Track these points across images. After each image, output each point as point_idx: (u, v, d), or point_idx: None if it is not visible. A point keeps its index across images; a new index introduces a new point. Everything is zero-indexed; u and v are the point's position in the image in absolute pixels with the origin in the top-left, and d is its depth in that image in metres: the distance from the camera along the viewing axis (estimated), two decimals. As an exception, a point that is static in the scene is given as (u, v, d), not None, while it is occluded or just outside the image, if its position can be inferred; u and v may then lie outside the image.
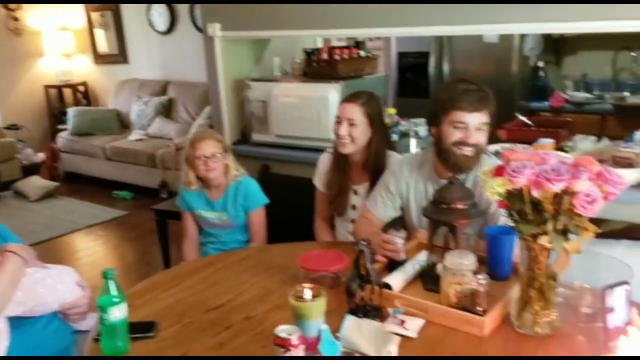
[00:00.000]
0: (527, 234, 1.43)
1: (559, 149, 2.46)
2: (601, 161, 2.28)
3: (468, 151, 1.90)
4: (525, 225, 1.42)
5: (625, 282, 1.39)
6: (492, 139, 2.79)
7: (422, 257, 1.81)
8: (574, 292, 1.60)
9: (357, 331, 1.46)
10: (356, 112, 2.23)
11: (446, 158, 1.96)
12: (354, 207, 2.37)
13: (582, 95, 4.18)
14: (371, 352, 1.41)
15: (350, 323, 1.48)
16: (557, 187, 1.35)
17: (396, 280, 1.72)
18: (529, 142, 2.59)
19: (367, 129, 2.25)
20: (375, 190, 2.17)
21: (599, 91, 4.21)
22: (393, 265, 1.82)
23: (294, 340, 1.30)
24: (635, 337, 1.25)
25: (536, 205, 1.41)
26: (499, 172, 1.44)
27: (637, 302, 1.66)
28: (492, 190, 1.44)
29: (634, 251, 2.04)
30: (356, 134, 2.24)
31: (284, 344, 1.29)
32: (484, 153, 1.98)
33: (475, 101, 1.87)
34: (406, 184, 2.09)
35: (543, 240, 1.41)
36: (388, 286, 1.69)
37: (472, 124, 1.88)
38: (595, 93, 4.21)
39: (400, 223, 2.16)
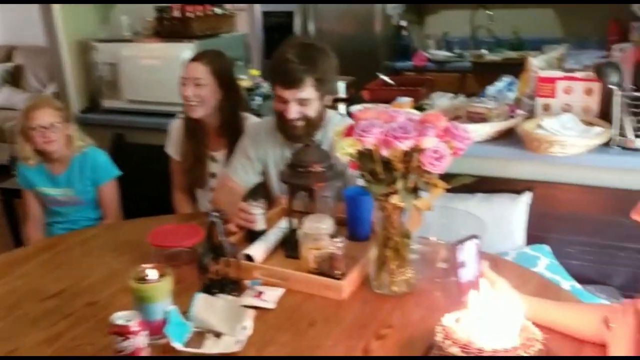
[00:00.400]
0: (379, 194, 1.40)
1: (419, 107, 2.47)
2: (457, 117, 2.34)
3: (295, 122, 1.85)
4: (377, 185, 1.39)
5: (474, 236, 1.40)
6: (356, 99, 2.79)
7: (283, 224, 1.75)
8: (430, 247, 1.61)
9: (209, 309, 1.37)
10: (202, 72, 2.09)
11: (278, 125, 1.91)
12: (213, 175, 2.25)
13: (443, 54, 4.29)
14: (224, 330, 1.32)
15: (201, 301, 1.38)
16: (405, 145, 1.32)
17: (257, 250, 1.65)
18: (391, 101, 2.59)
19: (216, 90, 2.12)
20: (234, 156, 2.06)
21: (459, 49, 4.35)
22: (254, 235, 1.73)
23: (134, 326, 1.18)
24: (485, 290, 1.26)
25: (387, 164, 1.38)
26: (349, 132, 1.38)
27: (490, 253, 1.72)
28: (343, 151, 1.39)
29: (487, 203, 2.12)
30: (204, 95, 2.10)
31: (122, 331, 1.17)
32: (318, 124, 1.90)
33: (291, 77, 1.78)
34: (264, 148, 2.00)
35: (395, 200, 1.38)
36: (250, 258, 1.61)
37: (290, 99, 1.81)
38: (456, 51, 4.34)
39: (262, 190, 2.08)
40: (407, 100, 2.38)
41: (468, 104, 2.30)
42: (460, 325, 1.21)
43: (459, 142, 1.36)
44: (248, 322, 1.34)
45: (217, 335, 1.32)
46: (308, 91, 1.81)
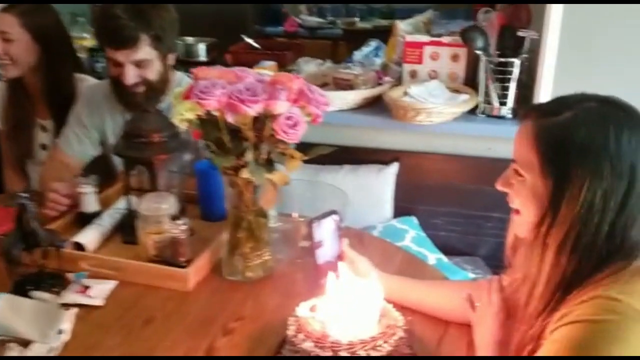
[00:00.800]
0: (227, 167, 1.21)
1: (285, 72, 2.30)
2: (324, 84, 2.20)
3: (134, 87, 1.62)
4: (223, 158, 1.19)
5: (333, 212, 1.26)
6: (218, 63, 2.56)
7: (122, 205, 1.50)
8: (291, 225, 1.46)
9: (15, 311, 1.12)
10: (11, 24, 1.77)
11: (115, 92, 1.68)
12: (44, 146, 1.94)
13: (315, 20, 4.16)
14: (33, 336, 1.09)
15: (5, 302, 1.13)
16: (253, 110, 1.13)
17: (89, 236, 1.42)
18: (255, 65, 2.39)
19: (32, 47, 1.80)
20: (67, 124, 1.77)
21: (332, 16, 4.24)
22: (85, 218, 1.48)
23: None
24: (344, 272, 1.12)
25: (236, 133, 1.19)
26: (188, 94, 1.17)
27: (356, 228, 1.60)
28: (181, 117, 1.17)
29: (353, 175, 2.00)
30: (14, 52, 1.78)
31: None
32: (163, 88, 1.68)
33: (122, 36, 1.55)
34: (101, 114, 1.74)
35: (245, 174, 1.20)
36: (80, 246, 1.37)
37: (125, 62, 1.59)
38: (329, 18, 4.23)
39: (102, 164, 1.81)
40: (270, 64, 2.19)
41: (335, 69, 2.16)
42: (315, 315, 1.06)
43: (315, 107, 1.20)
44: (65, 324, 1.11)
45: (25, 343, 1.07)
46: (145, 51, 1.58)
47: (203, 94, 1.12)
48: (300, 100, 1.19)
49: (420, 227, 1.96)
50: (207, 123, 1.18)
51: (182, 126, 1.18)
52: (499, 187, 0.97)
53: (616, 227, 0.85)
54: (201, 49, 2.62)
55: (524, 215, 0.94)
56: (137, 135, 1.38)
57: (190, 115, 1.16)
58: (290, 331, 1.04)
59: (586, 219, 0.84)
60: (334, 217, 1.25)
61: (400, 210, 2.01)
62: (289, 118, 1.15)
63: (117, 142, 1.44)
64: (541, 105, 0.95)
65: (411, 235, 1.89)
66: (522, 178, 0.91)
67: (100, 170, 1.77)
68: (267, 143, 1.20)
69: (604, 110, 0.88)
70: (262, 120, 1.17)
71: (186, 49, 2.55)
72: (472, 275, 1.80)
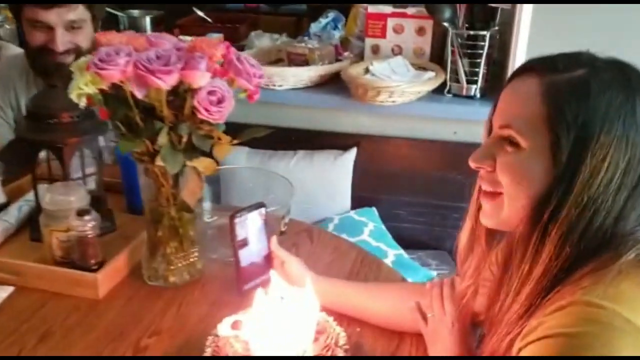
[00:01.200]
0: (140, 153, 1.01)
1: (236, 47, 2.09)
2: (279, 60, 2.01)
3: (64, 57, 1.42)
4: (131, 142, 0.99)
5: (260, 205, 1.08)
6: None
7: (31, 196, 1.29)
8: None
9: None
10: None
11: (34, 65, 1.49)
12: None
13: (278, -4, 3.93)
14: None
15: None
16: (167, 83, 0.93)
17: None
18: (204, 40, 2.18)
19: None
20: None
21: (297, -8, 4.01)
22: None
23: None
24: (275, 280, 0.93)
25: (150, 111, 0.98)
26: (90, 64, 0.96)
27: (306, 222, 1.43)
28: (79, 92, 0.96)
29: (308, 162, 1.81)
30: None
31: None
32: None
33: None
34: (15, 91, 1.54)
35: (160, 160, 1.00)
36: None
37: (57, 23, 1.41)
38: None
39: (18, 148, 1.59)
40: (217, 36, 1.98)
41: (289, 44, 1.96)
42: (238, 333, 0.88)
43: (246, 80, 1.00)
44: None
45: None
46: (79, 10, 1.42)
47: (103, 62, 0.91)
48: (228, 72, 0.99)
49: (381, 219, 1.78)
50: (113, 99, 0.98)
51: (81, 103, 0.97)
52: (477, 163, 0.75)
53: (626, 209, 0.68)
54: (147, 23, 2.40)
55: (511, 197, 0.73)
56: (44, 115, 1.17)
57: (90, 90, 0.96)
58: (207, 353, 0.86)
59: (602, 197, 0.67)
60: (261, 210, 1.07)
61: (360, 201, 1.83)
62: (211, 93, 0.96)
63: (21, 123, 1.23)
64: (546, 58, 0.74)
65: (370, 229, 1.71)
66: (516, 148, 0.71)
67: (19, 155, 1.56)
68: (188, 123, 1.00)
69: (627, 72, 0.71)
70: (181, 96, 0.97)
71: (130, 22, 2.32)
72: (435, 273, 1.63)
